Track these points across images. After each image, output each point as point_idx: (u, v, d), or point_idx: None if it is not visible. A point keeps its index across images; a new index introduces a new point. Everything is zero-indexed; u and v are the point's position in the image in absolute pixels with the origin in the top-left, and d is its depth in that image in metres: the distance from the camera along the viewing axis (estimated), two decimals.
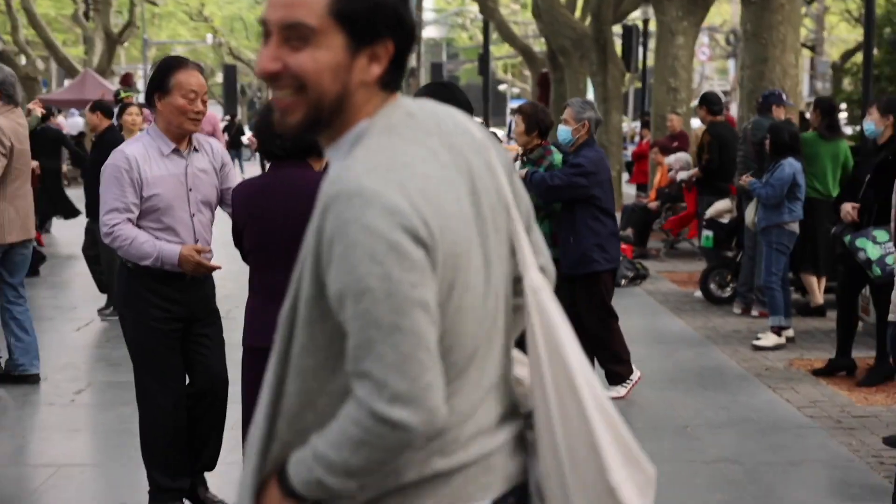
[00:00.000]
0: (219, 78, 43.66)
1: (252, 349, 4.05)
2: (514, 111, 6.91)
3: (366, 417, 1.73)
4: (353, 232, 1.70)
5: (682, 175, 11.62)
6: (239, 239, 4.11)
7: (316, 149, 4.06)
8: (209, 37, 44.13)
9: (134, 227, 4.45)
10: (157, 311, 4.54)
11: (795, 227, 8.39)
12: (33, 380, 7.12)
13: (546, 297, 1.97)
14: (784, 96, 9.81)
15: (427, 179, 1.78)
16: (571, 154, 6.56)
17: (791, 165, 8.19)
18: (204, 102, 4.46)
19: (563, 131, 6.57)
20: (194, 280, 4.62)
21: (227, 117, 29.01)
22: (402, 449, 1.76)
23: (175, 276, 4.55)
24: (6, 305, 7.10)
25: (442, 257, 1.76)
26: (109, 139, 9.08)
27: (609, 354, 6.73)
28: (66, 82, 32.28)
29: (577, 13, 25.98)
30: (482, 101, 33.79)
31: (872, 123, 7.43)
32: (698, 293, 10.35)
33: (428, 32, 55.59)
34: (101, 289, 9.63)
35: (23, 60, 31.29)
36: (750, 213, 8.54)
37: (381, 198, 1.71)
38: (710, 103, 11.26)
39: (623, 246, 11.90)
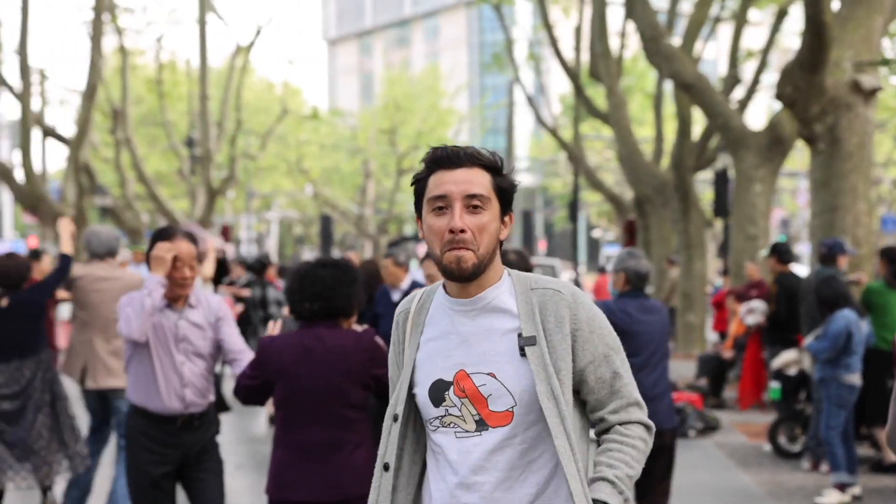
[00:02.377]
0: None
1: (280, 502, 4.17)
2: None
3: (645, 432, 2.70)
4: (598, 313, 2.69)
5: (749, 321, 11.53)
6: (259, 390, 4.27)
7: (344, 311, 4.26)
8: (308, 187, 45.48)
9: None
10: (147, 453, 4.92)
11: (854, 379, 8.26)
12: None
13: None
14: (846, 246, 9.73)
15: None
16: None
17: (844, 318, 8.12)
18: (192, 268, 4.84)
19: (610, 283, 6.57)
20: (186, 424, 4.98)
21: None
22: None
23: (166, 419, 4.94)
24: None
25: None
26: None
27: None
28: None
29: (666, 161, 26.15)
30: (571, 248, 34.06)
31: None
32: (768, 446, 10.16)
33: (521, 180, 56.48)
34: None
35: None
36: (807, 362, 8.45)
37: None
38: (780, 253, 11.24)
39: (693, 396, 11.78)
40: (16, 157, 29.86)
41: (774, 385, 10.19)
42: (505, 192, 2.66)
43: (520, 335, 2.60)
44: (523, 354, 2.59)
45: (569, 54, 28.57)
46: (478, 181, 2.61)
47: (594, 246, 52.58)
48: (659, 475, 5.92)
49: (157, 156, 40.02)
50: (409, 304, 2.80)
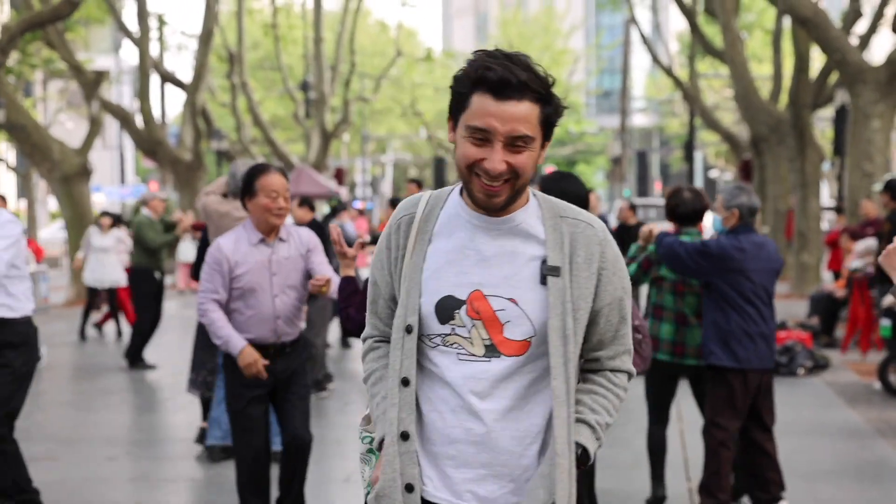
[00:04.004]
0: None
1: None
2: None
3: (627, 381, 2.62)
4: (619, 253, 2.57)
5: (854, 264, 11.27)
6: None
7: None
8: (422, 130, 45.68)
9: (219, 310, 5.11)
10: (242, 378, 5.17)
11: None
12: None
13: None
14: None
15: None
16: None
17: None
18: (286, 199, 5.03)
19: (716, 220, 6.43)
20: (278, 351, 5.22)
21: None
22: None
23: (259, 347, 5.16)
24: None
25: None
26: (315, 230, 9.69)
27: (704, 475, 5.85)
28: None
29: (784, 99, 25.49)
30: None
31: None
32: (878, 384, 9.98)
33: (637, 120, 55.68)
34: None
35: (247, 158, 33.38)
36: None
37: None
38: (894, 189, 10.93)
39: (802, 335, 11.60)
40: (136, 103, 30.62)
41: (885, 323, 9.99)
42: (551, 123, 2.47)
43: (544, 262, 2.47)
44: (544, 283, 2.46)
45: None
46: (525, 118, 2.39)
47: (711, 186, 51.67)
48: (762, 412, 5.90)
49: (274, 100, 40.63)
50: (412, 208, 2.60)
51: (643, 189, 37.04)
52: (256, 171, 5.15)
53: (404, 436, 2.50)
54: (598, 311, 2.51)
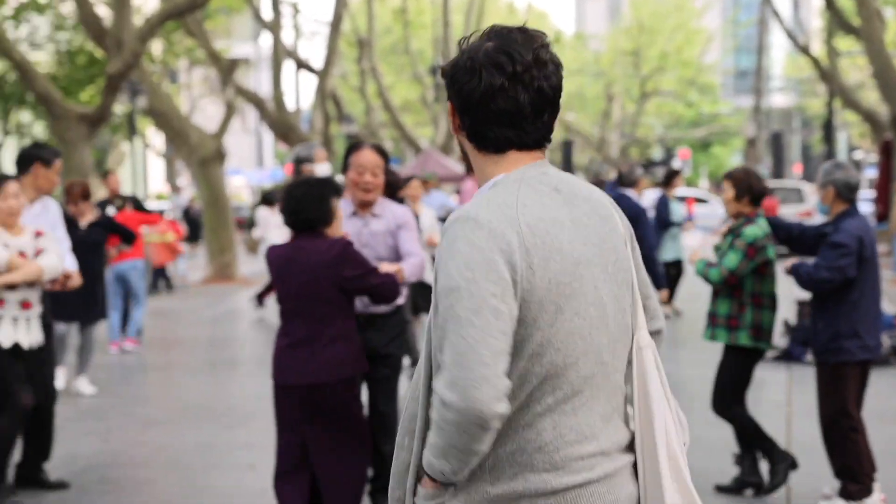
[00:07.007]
0: None
1: (277, 386, 4.85)
2: (725, 175, 6.59)
3: (437, 403, 2.11)
4: (460, 245, 2.10)
5: None
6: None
7: (318, 221, 4.78)
8: None
9: None
10: None
11: None
12: None
13: (647, 357, 2.28)
14: None
15: (539, 220, 2.15)
16: (830, 226, 5.83)
17: None
18: (374, 174, 5.16)
19: (816, 200, 6.16)
20: (369, 322, 5.30)
21: None
22: (461, 432, 2.07)
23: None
24: None
25: (540, 282, 2.12)
26: None
27: (841, 465, 5.76)
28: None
29: None
30: None
31: None
32: None
33: (776, 101, 54.41)
34: None
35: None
36: None
37: (490, 224, 2.11)
38: None
39: None
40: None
41: None
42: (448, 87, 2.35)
43: None
44: None
45: None
46: None
47: (857, 168, 50.07)
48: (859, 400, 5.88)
49: (404, 84, 41.11)
50: None
51: (778, 171, 36.27)
52: (351, 148, 5.40)
53: None
54: None
